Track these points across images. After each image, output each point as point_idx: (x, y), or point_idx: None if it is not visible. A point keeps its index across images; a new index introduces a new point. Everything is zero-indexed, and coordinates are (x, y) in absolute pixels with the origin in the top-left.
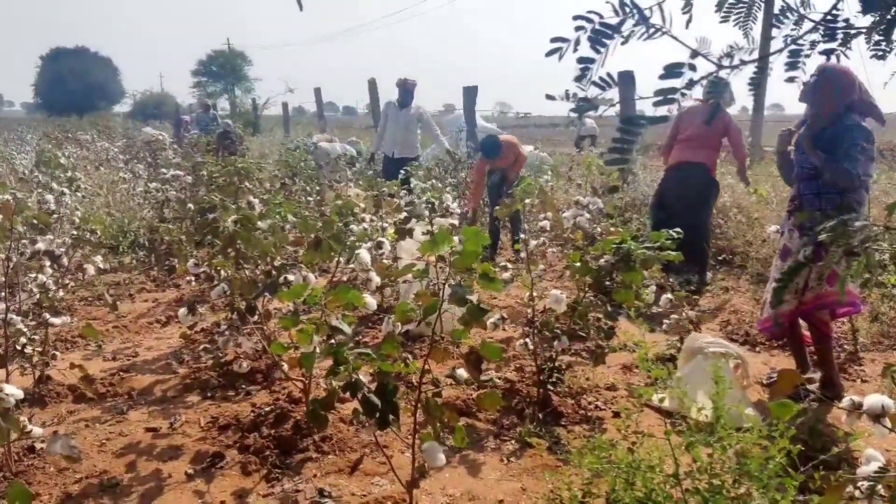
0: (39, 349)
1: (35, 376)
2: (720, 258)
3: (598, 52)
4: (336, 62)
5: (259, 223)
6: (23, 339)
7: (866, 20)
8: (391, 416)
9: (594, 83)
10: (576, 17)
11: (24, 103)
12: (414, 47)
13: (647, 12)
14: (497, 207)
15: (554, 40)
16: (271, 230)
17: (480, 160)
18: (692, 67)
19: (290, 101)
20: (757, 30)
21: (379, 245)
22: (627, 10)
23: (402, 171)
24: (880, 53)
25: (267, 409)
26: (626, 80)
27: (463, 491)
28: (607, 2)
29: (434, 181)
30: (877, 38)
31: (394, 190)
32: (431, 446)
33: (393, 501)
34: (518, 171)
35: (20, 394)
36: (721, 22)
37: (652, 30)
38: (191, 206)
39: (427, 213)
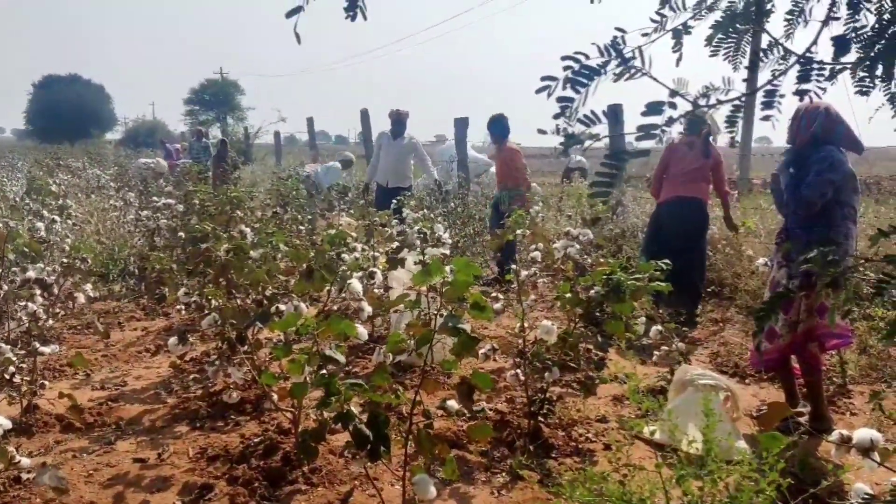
0: (28, 378)
1: (23, 405)
2: (709, 290)
3: (577, 92)
4: (328, 92)
5: (251, 252)
6: (11, 368)
7: (851, 56)
8: (382, 448)
9: (579, 120)
10: (564, 58)
11: (15, 130)
12: (406, 78)
13: (629, 54)
14: (489, 239)
15: (544, 79)
16: (263, 259)
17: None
18: (672, 105)
19: (282, 130)
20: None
21: (371, 275)
22: (611, 53)
23: (393, 201)
24: (864, 89)
25: (256, 440)
26: (614, 116)
27: None
28: (593, 44)
29: (425, 211)
30: (861, 74)
31: (385, 219)
32: (422, 479)
33: None
34: (515, 181)
35: (8, 424)
36: (711, 56)
37: (633, 70)
38: (182, 234)
39: (419, 242)
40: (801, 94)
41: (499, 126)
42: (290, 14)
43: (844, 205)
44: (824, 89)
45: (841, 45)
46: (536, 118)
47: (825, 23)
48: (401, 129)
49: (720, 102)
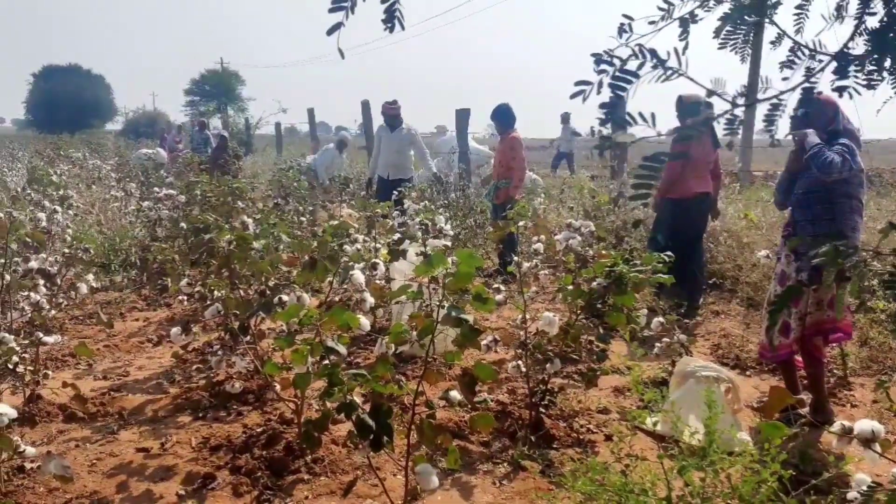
0: (31, 368)
1: (26, 395)
2: (710, 282)
3: (619, 97)
4: (329, 83)
5: (254, 243)
6: (14, 358)
7: (859, 49)
8: (385, 438)
9: (617, 122)
10: (598, 61)
11: (15, 120)
12: (407, 69)
13: (664, 55)
14: (491, 230)
15: (578, 83)
16: (266, 250)
17: (509, 136)
18: (709, 105)
19: (283, 121)
20: (768, 66)
21: (374, 266)
22: (645, 54)
23: (395, 192)
24: (872, 83)
25: (259, 430)
26: (650, 118)
27: None
28: (626, 45)
29: (427, 202)
30: (870, 67)
31: (386, 211)
32: (425, 468)
33: None
34: (508, 172)
35: (13, 413)
36: (719, 48)
37: (669, 72)
38: (183, 225)
39: (420, 234)
40: (839, 90)
41: (502, 115)
42: (330, 31)
43: (852, 198)
44: (867, 88)
45: (878, 41)
46: (539, 108)
47: (860, 18)
48: (397, 121)
49: (758, 101)
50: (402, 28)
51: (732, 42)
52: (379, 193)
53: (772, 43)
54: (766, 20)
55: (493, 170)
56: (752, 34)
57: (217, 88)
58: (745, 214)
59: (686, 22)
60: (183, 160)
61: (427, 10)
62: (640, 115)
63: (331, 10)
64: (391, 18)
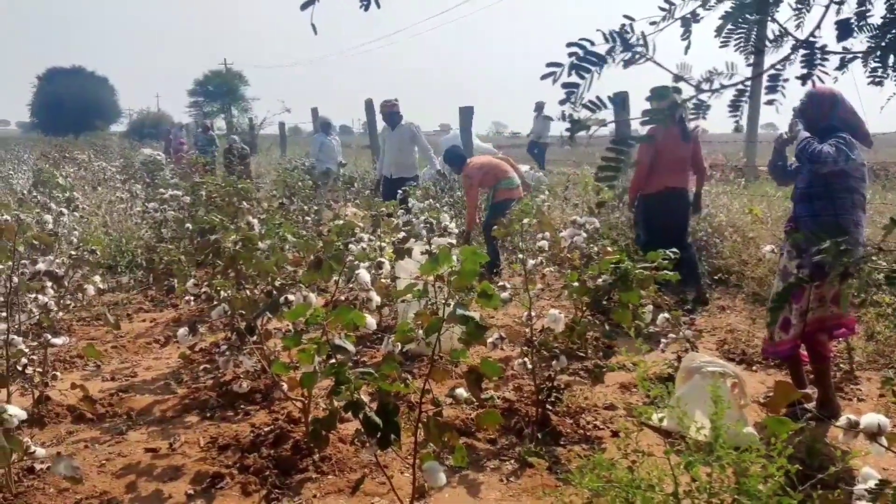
0: (39, 369)
1: (34, 396)
2: (716, 277)
3: (582, 77)
4: (333, 82)
5: (259, 243)
6: (23, 360)
7: (862, 45)
8: (392, 436)
9: (585, 106)
10: (569, 45)
11: (19, 122)
12: (410, 67)
13: (633, 40)
14: (495, 227)
15: (549, 65)
16: (271, 250)
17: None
18: (677, 90)
19: (287, 121)
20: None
21: (379, 265)
22: (615, 39)
23: (399, 191)
24: (877, 79)
25: (266, 429)
26: (621, 102)
27: None
28: (598, 30)
29: (431, 201)
30: (873, 64)
31: (391, 210)
32: (432, 466)
33: None
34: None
35: (23, 414)
36: (721, 46)
37: (637, 56)
38: (189, 226)
39: (425, 232)
40: (804, 78)
41: (450, 161)
42: (304, 6)
43: (854, 192)
44: (829, 75)
45: (843, 29)
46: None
47: (827, 7)
48: (396, 119)
49: (723, 87)
50: (378, 6)
51: (735, 40)
52: (384, 193)
53: (772, 41)
54: (767, 17)
55: None
56: (754, 32)
57: (221, 89)
58: (749, 210)
59: (688, 21)
60: (188, 161)
61: (432, 8)
62: (609, 98)
63: None
64: None
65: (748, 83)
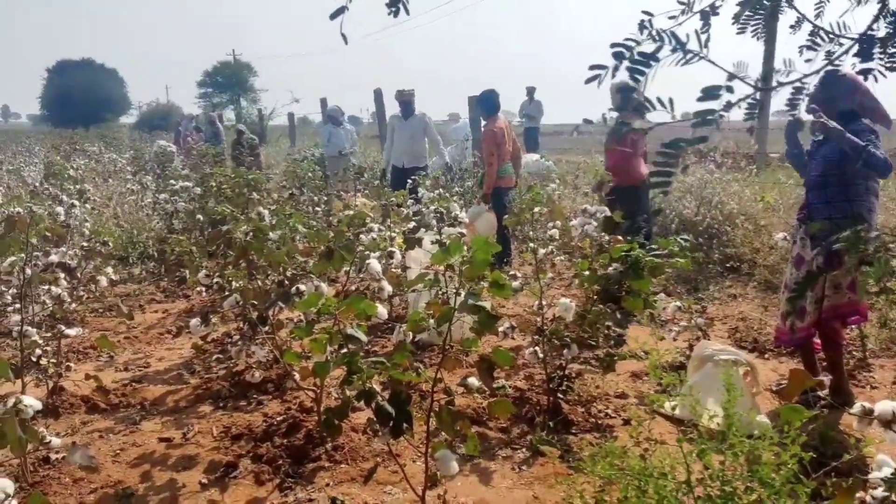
0: (53, 360)
1: (49, 387)
2: (727, 265)
3: (637, 80)
4: (342, 72)
5: (270, 234)
6: (38, 351)
7: (881, 32)
8: (404, 425)
9: (636, 108)
10: (613, 45)
11: (30, 115)
12: (420, 57)
13: (683, 38)
14: (506, 217)
15: (592, 67)
16: (282, 241)
17: (488, 126)
18: (729, 90)
19: (296, 112)
20: (789, 50)
21: (390, 255)
22: (663, 37)
23: (409, 181)
24: (895, 66)
25: (279, 418)
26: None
27: (475, 499)
28: (644, 28)
29: (441, 190)
30: (892, 49)
31: (401, 199)
32: (445, 454)
33: None
34: (487, 171)
35: (38, 405)
36: (738, 33)
37: (689, 55)
38: (200, 217)
39: (435, 222)
40: (865, 73)
41: (482, 102)
42: (334, 15)
43: (868, 178)
44: (892, 68)
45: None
46: (559, 96)
47: (883, 1)
48: (410, 109)
49: (781, 85)
50: (407, 13)
51: (753, 26)
52: (393, 182)
53: (791, 27)
54: (786, 4)
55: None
56: (770, 17)
57: (230, 80)
58: (762, 197)
59: (707, 15)
60: (198, 153)
61: None
62: (658, 100)
63: None
64: (396, 2)
65: (806, 80)
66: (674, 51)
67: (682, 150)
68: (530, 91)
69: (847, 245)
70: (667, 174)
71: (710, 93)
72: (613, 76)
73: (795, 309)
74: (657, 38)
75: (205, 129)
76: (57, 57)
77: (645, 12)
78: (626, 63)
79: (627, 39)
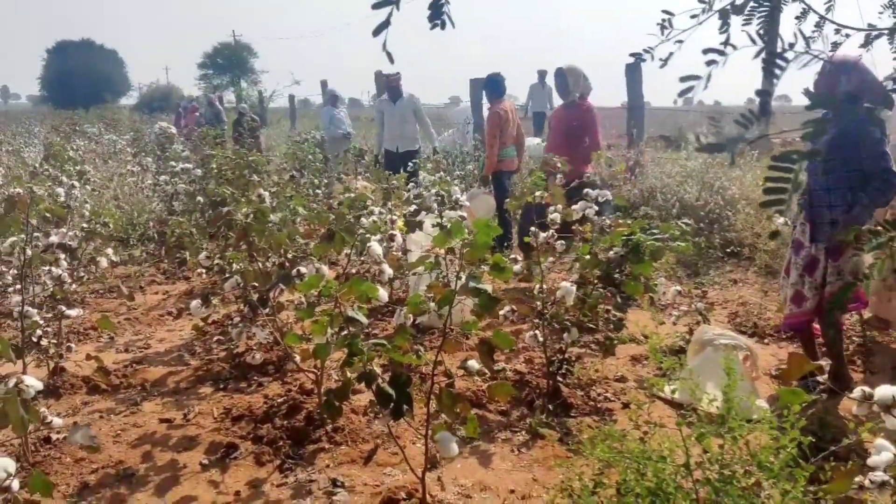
0: (54, 341)
1: (50, 368)
2: (728, 250)
3: (772, 84)
4: (342, 54)
5: (271, 216)
6: (38, 332)
7: (888, 22)
8: (405, 407)
9: (736, 121)
10: (706, 51)
11: (30, 96)
12: (421, 38)
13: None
14: (507, 200)
15: (685, 79)
16: (283, 223)
17: (492, 109)
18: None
19: (297, 94)
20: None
21: (391, 238)
22: (797, 37)
23: (410, 164)
24: None
25: (279, 400)
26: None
27: (475, 481)
28: (664, 28)
29: (442, 174)
30: None
31: (401, 183)
32: (445, 436)
33: (406, 492)
34: (487, 152)
35: (39, 385)
36: (744, 24)
37: (812, 58)
38: (200, 198)
39: (436, 205)
40: None
41: (488, 85)
42: (376, 32)
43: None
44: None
45: None
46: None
47: None
48: (398, 92)
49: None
50: (453, 26)
51: (759, 18)
52: (387, 167)
53: (797, 18)
54: None
55: None
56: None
57: (230, 61)
58: (762, 181)
59: (726, 14)
60: (197, 135)
61: None
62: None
63: (375, 7)
64: (438, 15)
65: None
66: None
67: (796, 164)
68: (541, 75)
69: (861, 237)
70: (781, 190)
71: (820, 101)
72: (706, 87)
73: (833, 320)
74: (762, 38)
75: (204, 110)
76: (56, 37)
77: (665, 11)
78: (761, 64)
79: (724, 44)
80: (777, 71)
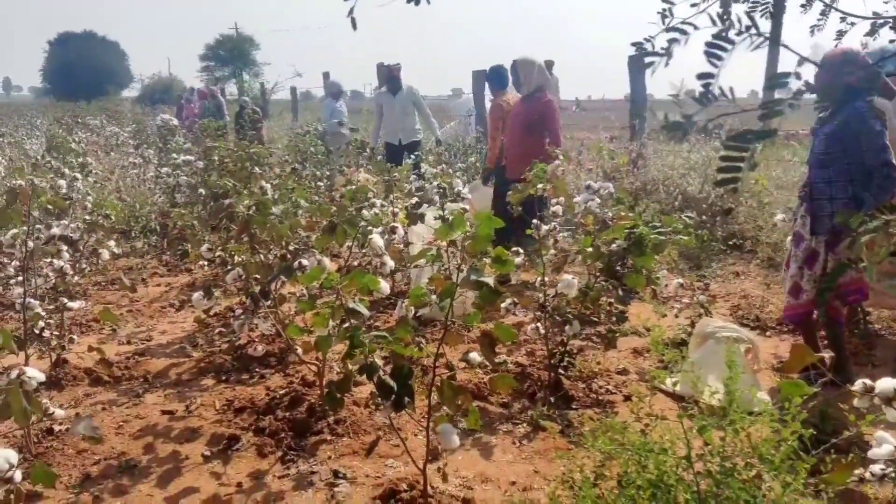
0: (56, 333)
1: (52, 360)
2: (730, 243)
3: (714, 66)
4: (344, 46)
5: (273, 208)
6: (41, 323)
7: (894, 11)
8: (406, 399)
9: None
10: (668, 30)
11: (32, 88)
12: (423, 30)
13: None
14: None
15: (648, 55)
16: (285, 215)
17: (494, 100)
18: (798, 76)
19: (298, 86)
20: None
21: (393, 230)
22: (738, 19)
23: (412, 156)
24: None
25: (281, 392)
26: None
27: (476, 473)
28: (665, 17)
29: (444, 166)
30: None
31: (403, 175)
32: (446, 428)
33: (407, 483)
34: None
35: (41, 376)
36: (747, 13)
37: (760, 39)
38: (202, 191)
39: (438, 198)
40: None
41: (491, 76)
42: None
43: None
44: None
45: None
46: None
47: None
48: (396, 84)
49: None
50: (428, 2)
51: (762, 6)
52: (390, 160)
53: (802, 6)
54: None
55: None
56: None
57: (232, 53)
58: (755, 180)
59: (727, 2)
60: (199, 127)
61: None
62: (720, 89)
63: None
64: None
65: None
66: (739, 33)
67: (751, 143)
68: (548, 65)
69: (852, 224)
70: (735, 170)
71: (776, 81)
72: (667, 65)
73: (824, 301)
74: (717, 20)
75: (205, 103)
76: (58, 29)
77: (665, 0)
78: (704, 48)
79: (684, 24)
80: (720, 53)
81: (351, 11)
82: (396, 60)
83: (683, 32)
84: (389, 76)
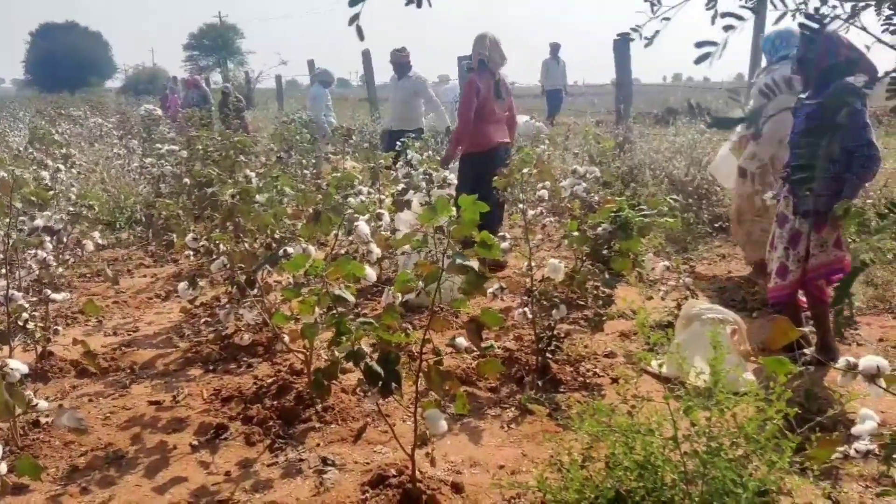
0: (41, 325)
1: (37, 352)
2: (716, 225)
3: (810, 49)
4: (329, 33)
5: (257, 196)
6: (25, 315)
7: None
8: (394, 385)
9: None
10: (722, 15)
11: (14, 80)
12: (410, 15)
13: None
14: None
15: (700, 44)
16: (270, 203)
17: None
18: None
19: (284, 75)
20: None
21: (378, 217)
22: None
23: (397, 143)
24: (892, 28)
25: (269, 380)
26: None
27: (465, 457)
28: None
29: (430, 153)
30: (888, 11)
31: (389, 162)
32: (433, 413)
33: (396, 469)
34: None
35: (24, 368)
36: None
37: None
38: (187, 180)
39: (424, 184)
40: None
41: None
42: (353, 2)
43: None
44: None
45: None
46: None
47: None
48: (403, 70)
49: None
50: (430, 5)
51: None
52: (385, 145)
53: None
54: None
55: None
56: None
57: (216, 42)
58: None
59: None
60: (183, 116)
61: None
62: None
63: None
64: None
65: None
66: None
67: (826, 136)
68: (554, 49)
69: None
70: (811, 168)
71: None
72: (720, 56)
73: (842, 304)
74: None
75: (188, 93)
76: (40, 20)
77: None
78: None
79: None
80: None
81: (355, 18)
82: (393, 47)
83: (740, 18)
84: (394, 62)
